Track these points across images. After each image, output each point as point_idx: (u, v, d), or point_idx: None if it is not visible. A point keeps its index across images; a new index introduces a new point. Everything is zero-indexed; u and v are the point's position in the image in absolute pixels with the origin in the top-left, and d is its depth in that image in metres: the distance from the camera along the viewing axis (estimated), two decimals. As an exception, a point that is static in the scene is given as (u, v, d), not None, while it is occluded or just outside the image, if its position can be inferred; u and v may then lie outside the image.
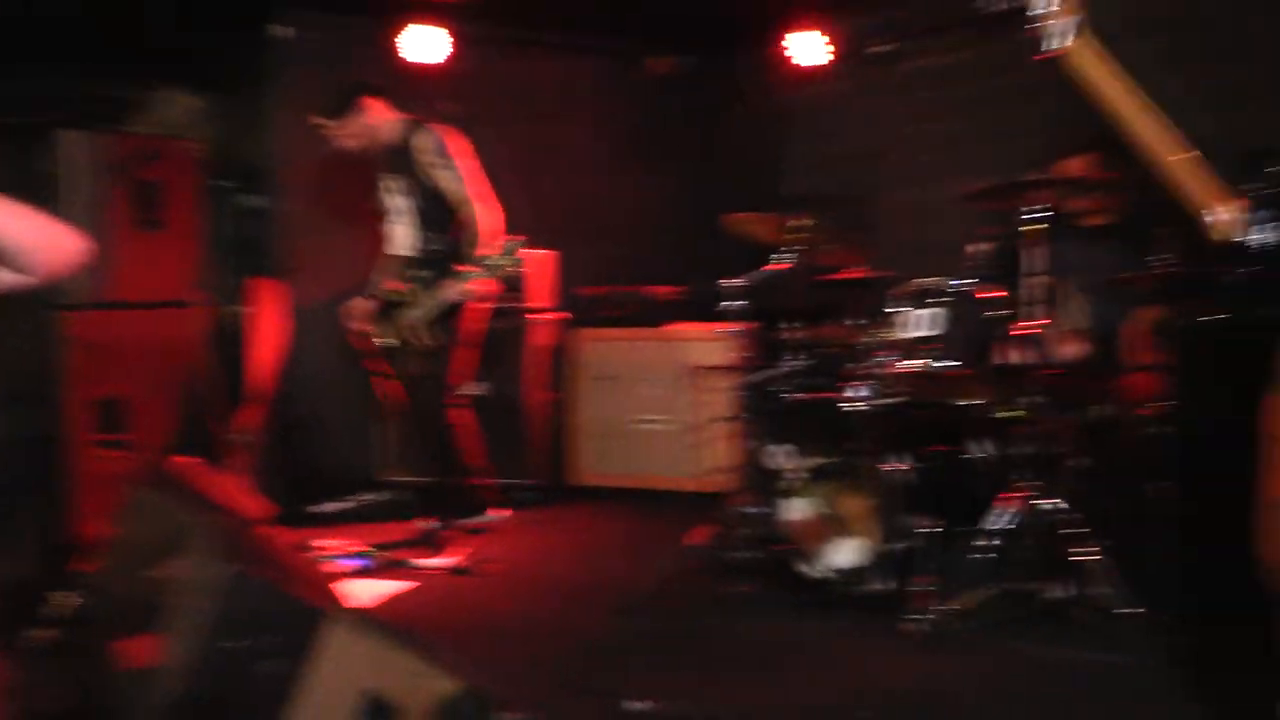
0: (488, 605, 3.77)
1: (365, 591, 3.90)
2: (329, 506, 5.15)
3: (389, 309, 4.37)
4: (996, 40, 5.15)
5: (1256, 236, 1.70)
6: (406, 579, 4.05)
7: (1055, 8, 1.57)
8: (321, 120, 4.35)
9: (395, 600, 3.83)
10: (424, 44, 5.36)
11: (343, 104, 4.32)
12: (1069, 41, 1.58)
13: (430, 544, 4.33)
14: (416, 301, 4.25)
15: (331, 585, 3.17)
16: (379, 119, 4.38)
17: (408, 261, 4.38)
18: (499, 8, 5.56)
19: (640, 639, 3.38)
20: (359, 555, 4.19)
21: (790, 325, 4.18)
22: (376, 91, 4.39)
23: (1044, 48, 1.60)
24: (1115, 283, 3.68)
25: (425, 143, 4.29)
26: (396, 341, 4.35)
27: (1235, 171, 1.75)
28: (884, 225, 5.93)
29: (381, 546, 4.34)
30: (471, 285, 4.16)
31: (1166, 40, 4.38)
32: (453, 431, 4.41)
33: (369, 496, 5.20)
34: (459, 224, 4.24)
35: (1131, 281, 3.56)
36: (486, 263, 4.10)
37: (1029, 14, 1.59)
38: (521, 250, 4.12)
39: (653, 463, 5.38)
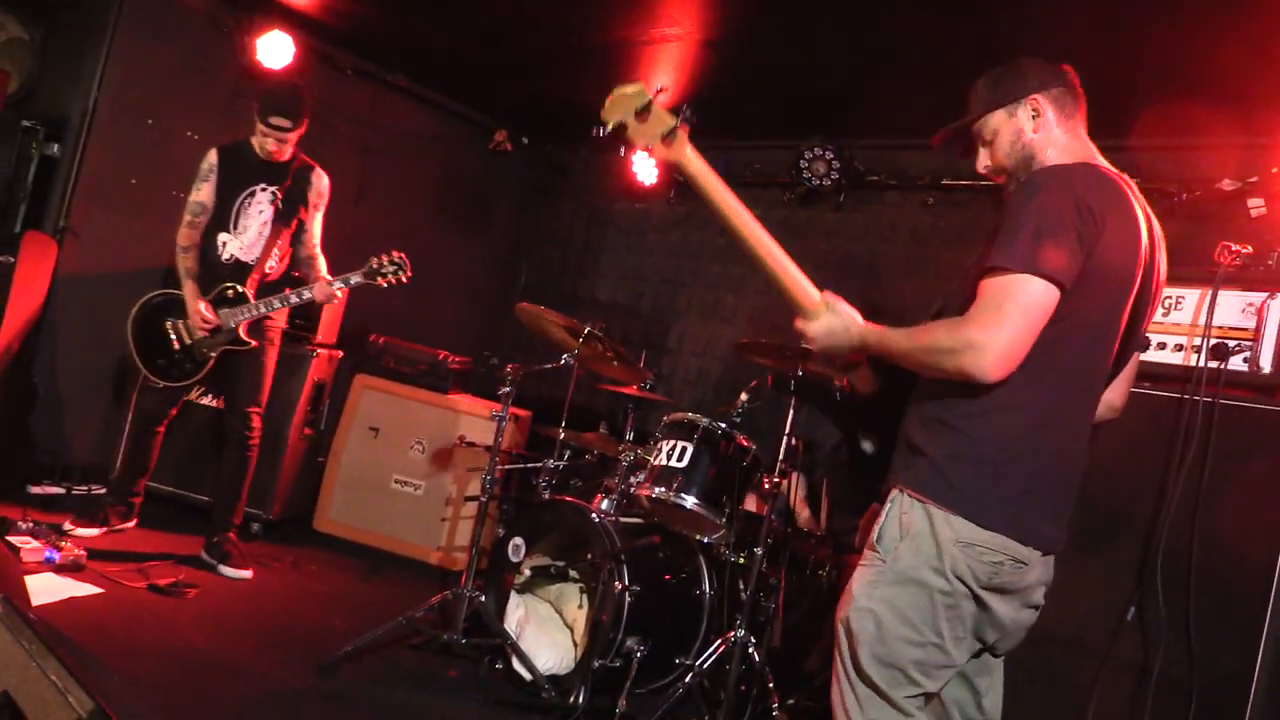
0: (176, 631, 3.56)
1: (46, 586, 3.62)
2: (37, 489, 4.80)
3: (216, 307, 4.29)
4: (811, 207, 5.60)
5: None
6: (94, 583, 3.79)
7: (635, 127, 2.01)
8: (286, 122, 4.21)
9: (75, 603, 3.57)
10: (270, 47, 5.22)
11: (302, 110, 4.24)
12: (661, 146, 2.01)
13: (82, 515, 4.32)
14: (244, 308, 4.28)
15: (11, 571, 2.94)
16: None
17: (240, 269, 4.33)
18: (357, 36, 5.58)
19: (323, 699, 3.27)
20: (50, 547, 3.88)
21: (560, 424, 4.24)
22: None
23: (637, 149, 2.01)
24: (855, 460, 3.95)
25: (321, 185, 4.49)
26: (206, 346, 4.28)
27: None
28: (672, 351, 6.17)
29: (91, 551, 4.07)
30: (334, 290, 4.32)
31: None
32: (242, 460, 4.41)
33: (83, 488, 4.86)
34: (294, 260, 4.49)
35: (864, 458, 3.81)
36: (379, 269, 4.25)
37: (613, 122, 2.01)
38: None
39: (399, 526, 5.26)
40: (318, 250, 4.50)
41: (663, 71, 5.08)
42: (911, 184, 5.27)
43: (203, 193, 4.27)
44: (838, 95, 4.70)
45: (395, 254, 4.28)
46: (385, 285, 4.29)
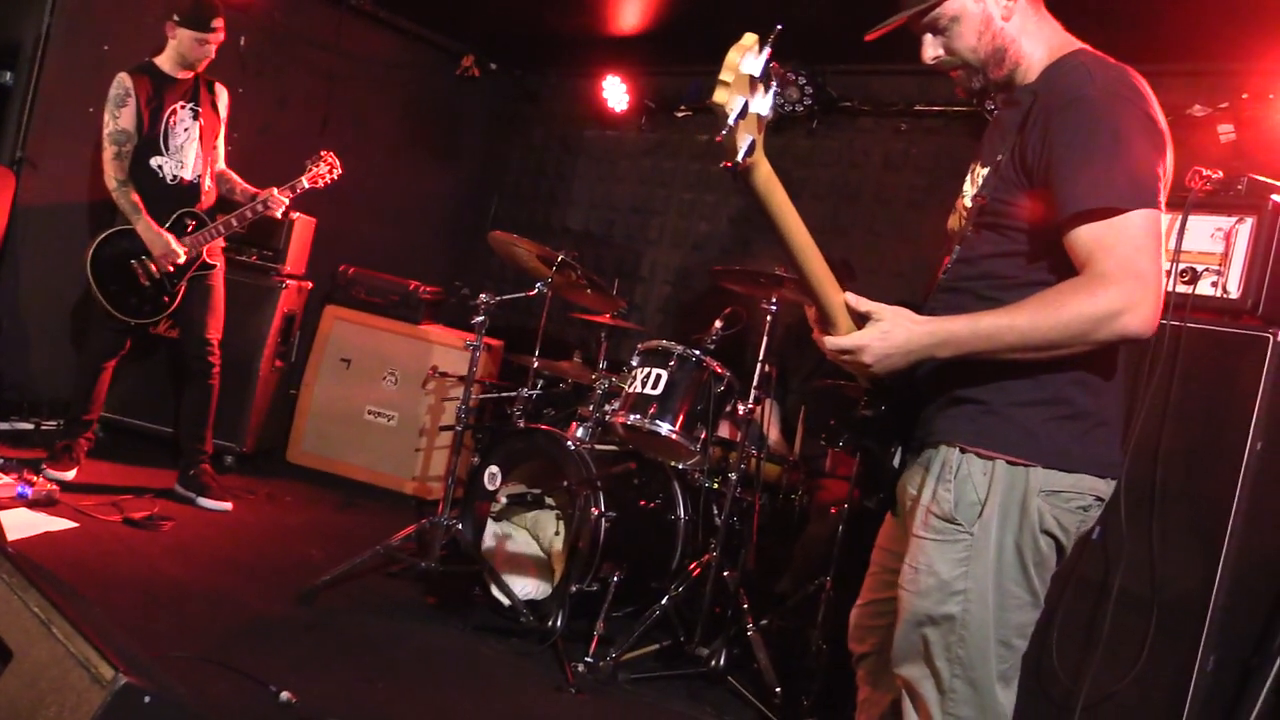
0: (152, 563, 3.57)
1: (20, 521, 3.61)
2: (4, 425, 4.76)
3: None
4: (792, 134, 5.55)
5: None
6: (69, 518, 3.78)
7: (744, 122, 1.53)
8: (221, 21, 4.19)
9: (50, 537, 3.57)
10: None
11: (211, 17, 4.16)
12: (752, 156, 1.57)
13: (56, 458, 4.27)
14: (205, 233, 4.26)
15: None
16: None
17: (188, 190, 4.29)
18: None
19: (303, 628, 3.31)
20: (22, 482, 3.86)
21: (533, 353, 4.25)
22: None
23: (735, 157, 1.55)
24: (823, 387, 3.99)
25: (226, 99, 4.47)
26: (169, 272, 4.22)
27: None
28: (645, 279, 6.15)
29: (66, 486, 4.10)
30: (283, 199, 4.33)
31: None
32: (206, 389, 4.39)
33: (51, 423, 4.82)
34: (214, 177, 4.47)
35: (838, 387, 3.85)
36: (316, 171, 4.38)
37: (722, 129, 1.52)
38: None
39: (373, 456, 5.28)
40: (226, 166, 4.54)
41: (633, -6, 4.98)
42: (885, 110, 5.23)
43: (123, 119, 4.14)
44: (812, 19, 4.63)
45: (325, 153, 4.43)
46: (323, 185, 4.43)
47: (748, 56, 1.51)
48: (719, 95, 1.50)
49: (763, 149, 1.60)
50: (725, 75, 1.50)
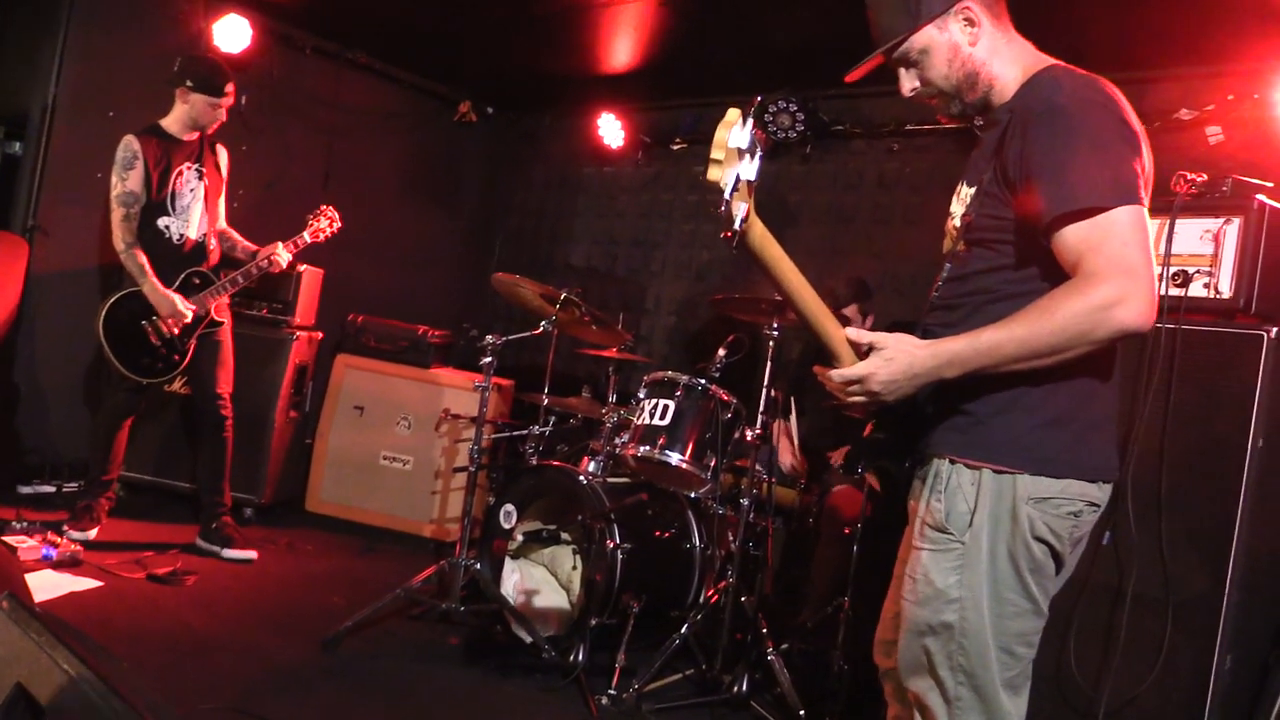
0: (178, 616, 3.62)
1: (46, 583, 3.66)
2: (27, 488, 4.83)
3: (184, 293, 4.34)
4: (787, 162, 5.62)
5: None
6: (93, 577, 3.83)
7: (738, 193, 1.60)
8: (233, 85, 4.36)
9: (76, 597, 3.62)
10: (227, 30, 5.18)
11: (225, 83, 4.32)
12: (746, 222, 1.62)
13: (77, 518, 4.32)
14: (212, 290, 4.37)
15: (9, 568, 2.97)
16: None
17: (196, 250, 4.39)
18: (313, 15, 5.54)
19: (328, 674, 3.34)
20: (46, 544, 3.92)
21: (543, 391, 4.30)
22: None
23: (733, 226, 1.61)
24: (830, 405, 4.01)
25: (226, 158, 4.57)
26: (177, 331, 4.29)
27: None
28: (650, 311, 6.21)
29: (88, 545, 4.17)
30: (285, 250, 4.48)
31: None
32: (220, 442, 4.46)
33: (73, 485, 4.89)
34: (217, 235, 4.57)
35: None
36: (317, 225, 4.56)
37: (722, 197, 1.60)
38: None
39: (390, 501, 5.32)
40: (227, 224, 4.65)
41: (622, 34, 5.07)
42: (876, 131, 5.30)
43: (131, 181, 4.22)
44: (799, 46, 4.71)
45: (324, 208, 4.61)
46: (324, 239, 4.60)
47: (734, 131, 1.59)
48: (713, 173, 1.59)
49: (754, 210, 1.66)
50: (716, 154, 1.58)
